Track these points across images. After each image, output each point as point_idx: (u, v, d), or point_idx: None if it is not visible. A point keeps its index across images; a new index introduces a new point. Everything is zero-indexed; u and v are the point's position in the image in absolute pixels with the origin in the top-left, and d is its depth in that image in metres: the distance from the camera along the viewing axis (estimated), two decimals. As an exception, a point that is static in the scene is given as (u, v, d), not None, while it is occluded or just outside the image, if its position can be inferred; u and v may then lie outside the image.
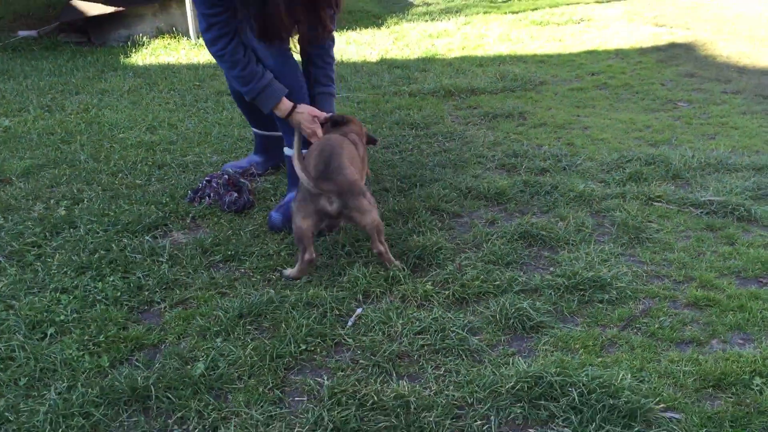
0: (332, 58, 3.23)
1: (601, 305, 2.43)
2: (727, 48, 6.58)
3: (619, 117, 4.65)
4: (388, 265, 2.65)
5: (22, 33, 7.50)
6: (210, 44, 2.94)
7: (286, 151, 3.13)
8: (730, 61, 6.17)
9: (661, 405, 1.91)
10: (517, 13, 8.74)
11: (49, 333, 2.30)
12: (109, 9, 7.14)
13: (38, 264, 2.73)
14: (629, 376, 2.00)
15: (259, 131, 3.58)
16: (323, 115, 3.00)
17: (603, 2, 9.36)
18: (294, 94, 3.00)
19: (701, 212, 3.13)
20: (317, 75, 3.16)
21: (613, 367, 2.06)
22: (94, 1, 7.30)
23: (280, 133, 3.26)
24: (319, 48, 3.15)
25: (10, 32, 7.61)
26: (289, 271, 2.65)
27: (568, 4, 9.20)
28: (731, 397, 1.95)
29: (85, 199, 3.31)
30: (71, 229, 3.00)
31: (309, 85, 3.14)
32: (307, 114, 2.97)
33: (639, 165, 3.62)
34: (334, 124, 3.01)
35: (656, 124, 4.47)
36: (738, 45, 6.67)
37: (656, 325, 2.30)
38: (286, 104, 2.97)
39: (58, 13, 7.97)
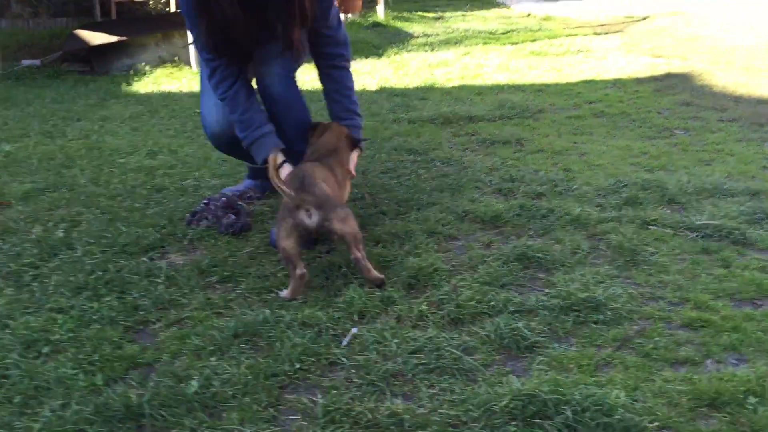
0: (350, 89, 3.25)
1: (595, 326, 2.43)
2: (723, 78, 6.65)
3: (616, 144, 4.69)
4: (366, 274, 2.66)
5: (25, 62, 7.60)
6: (214, 88, 3.00)
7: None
8: (726, 91, 6.24)
9: (655, 423, 1.90)
10: (516, 44, 8.86)
11: (44, 352, 2.30)
12: (113, 38, 7.24)
13: (35, 284, 2.74)
14: (623, 394, 1.99)
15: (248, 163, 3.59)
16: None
17: (601, 34, 9.48)
18: (296, 132, 3.04)
19: (697, 236, 3.15)
20: (338, 111, 3.20)
21: (607, 386, 2.06)
22: (98, 31, 7.41)
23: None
24: (336, 83, 3.19)
25: (14, 61, 7.71)
26: (284, 293, 2.66)
27: (566, 36, 9.33)
28: (726, 416, 1.94)
29: (84, 222, 3.33)
30: (69, 251, 3.02)
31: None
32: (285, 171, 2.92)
33: (635, 190, 3.64)
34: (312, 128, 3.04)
35: (653, 150, 4.51)
36: (734, 75, 6.74)
37: (651, 346, 2.29)
38: (272, 161, 2.85)
39: (62, 42, 8.08)
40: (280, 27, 2.86)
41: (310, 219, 2.59)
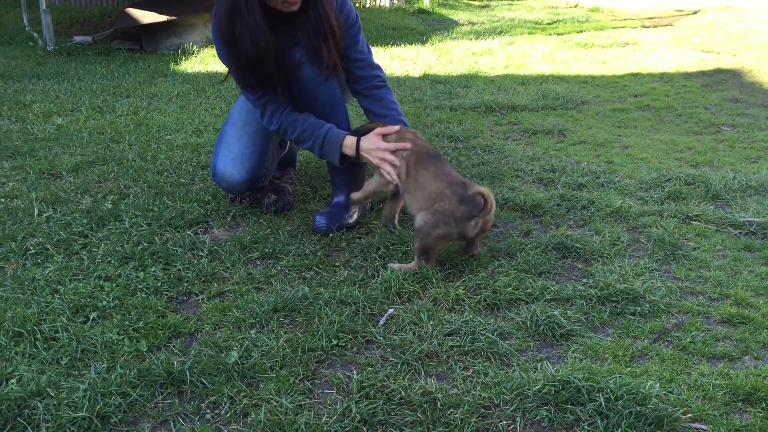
0: (395, 103, 3.22)
1: (632, 317, 2.43)
2: (774, 75, 6.50)
3: (660, 138, 4.63)
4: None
5: (77, 38, 7.76)
6: (268, 124, 3.03)
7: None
8: (777, 88, 6.10)
9: (689, 415, 1.90)
10: (562, 35, 8.76)
11: (91, 317, 2.38)
12: (162, 18, 7.35)
13: (84, 253, 2.84)
14: (657, 385, 2.00)
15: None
16: (393, 128, 2.95)
17: (649, 27, 9.32)
18: (328, 105, 3.04)
19: (740, 233, 3.11)
20: (354, 70, 3.16)
21: (641, 376, 2.06)
22: (148, 10, 7.54)
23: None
24: (379, 100, 3.16)
25: (66, 37, 7.88)
26: (398, 266, 2.73)
27: (613, 28, 9.19)
28: (761, 412, 1.93)
29: (131, 195, 3.42)
30: (116, 222, 3.11)
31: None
32: (372, 138, 2.92)
33: (678, 184, 3.60)
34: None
35: (698, 146, 4.44)
36: (786, 72, 6.58)
37: (688, 339, 2.29)
38: (349, 142, 2.95)
39: (113, 20, 8.24)
40: (309, 47, 2.91)
41: (474, 231, 2.69)
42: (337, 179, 3.17)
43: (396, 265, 2.74)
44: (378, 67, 3.20)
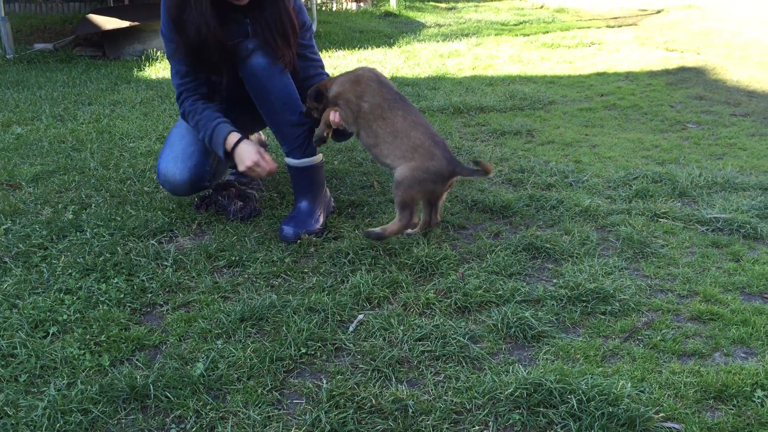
0: (317, 53, 3.30)
1: (603, 317, 2.42)
2: (737, 72, 6.60)
3: (627, 137, 4.66)
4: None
5: (38, 46, 7.61)
6: (179, 109, 3.08)
7: (289, 161, 3.13)
8: (739, 85, 6.18)
9: (661, 415, 1.89)
10: (528, 35, 8.80)
11: (51, 332, 2.31)
12: (125, 23, 7.24)
13: (44, 265, 2.75)
14: (629, 385, 1.99)
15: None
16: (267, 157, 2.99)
17: (614, 27, 9.41)
18: (284, 96, 3.02)
19: (707, 229, 3.12)
20: (306, 68, 3.19)
21: (613, 376, 2.05)
22: (111, 16, 7.42)
23: None
24: (299, 46, 3.13)
25: (26, 45, 7.73)
26: (380, 229, 2.83)
27: (579, 28, 9.26)
28: (732, 409, 1.93)
29: (93, 205, 3.34)
30: (78, 233, 3.03)
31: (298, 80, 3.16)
32: (251, 148, 2.96)
33: (646, 182, 3.62)
34: (317, 98, 2.96)
35: (664, 144, 4.48)
36: (748, 70, 6.68)
37: (658, 338, 2.28)
38: (231, 140, 2.97)
39: (75, 27, 8.10)
40: (263, 40, 2.93)
41: (444, 190, 2.83)
42: (298, 183, 3.12)
43: (378, 229, 2.82)
44: (326, 72, 3.34)
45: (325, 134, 2.99)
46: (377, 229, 2.83)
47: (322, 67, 3.30)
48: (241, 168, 2.96)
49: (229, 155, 3.01)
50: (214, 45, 2.84)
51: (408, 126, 2.81)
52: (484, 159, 4.02)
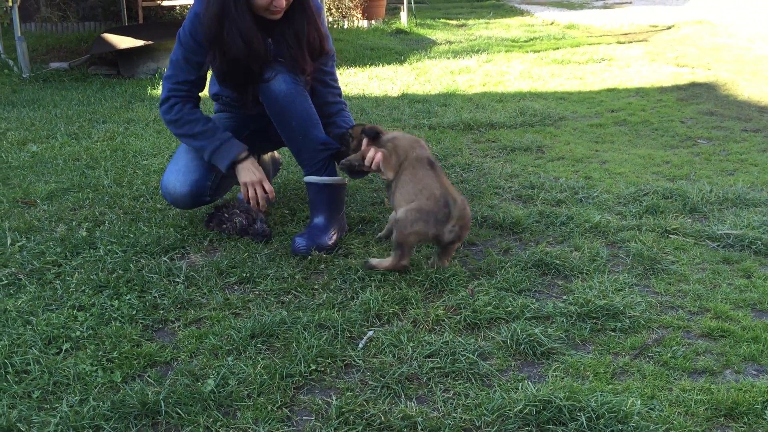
0: (337, 80, 3.35)
1: (613, 333, 2.42)
2: (748, 88, 6.58)
3: (637, 152, 4.66)
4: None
5: (53, 65, 7.71)
6: (168, 110, 3.10)
7: (309, 179, 3.17)
8: (750, 101, 6.17)
9: (671, 432, 1.89)
10: (538, 52, 8.82)
11: (64, 348, 2.34)
12: (139, 43, 7.33)
13: (57, 282, 2.79)
14: (639, 402, 1.98)
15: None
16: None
17: (624, 43, 9.42)
18: (305, 121, 3.06)
19: (718, 245, 3.12)
20: (325, 95, 3.25)
21: (623, 393, 2.05)
22: (125, 35, 7.51)
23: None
24: (343, 116, 3.28)
25: (42, 64, 7.83)
26: (376, 261, 2.83)
27: (589, 44, 9.28)
28: (743, 427, 1.93)
29: (107, 222, 3.38)
30: (91, 250, 3.06)
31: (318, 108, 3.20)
32: (255, 168, 3.09)
33: (656, 198, 3.61)
34: (373, 137, 2.98)
35: (675, 159, 4.47)
36: (759, 85, 6.67)
37: (669, 355, 2.28)
38: (242, 156, 3.08)
39: (90, 46, 8.20)
40: (288, 56, 3.01)
41: (449, 236, 2.76)
42: (317, 200, 3.15)
43: (374, 261, 2.84)
44: (337, 82, 3.36)
45: (356, 164, 2.99)
46: (374, 260, 2.85)
47: (341, 95, 3.36)
48: (242, 180, 3.07)
49: (232, 169, 3.09)
50: (260, 58, 2.93)
51: (426, 176, 2.83)
52: (494, 176, 4.03)
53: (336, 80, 3.33)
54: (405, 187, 2.84)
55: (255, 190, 3.09)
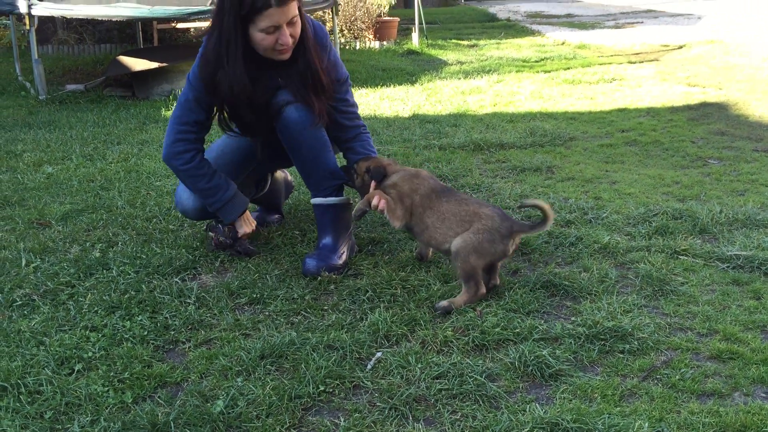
0: (353, 104, 3.33)
1: (621, 355, 2.42)
2: (759, 108, 6.57)
3: (647, 173, 4.66)
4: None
5: (69, 87, 7.83)
6: (175, 156, 3.09)
7: (315, 200, 3.21)
8: (762, 121, 6.16)
9: (679, 455, 1.88)
10: (549, 72, 8.86)
11: (76, 369, 2.37)
12: (154, 65, 7.43)
13: (71, 303, 2.83)
14: (647, 425, 1.98)
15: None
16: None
17: (635, 62, 9.44)
18: (315, 150, 3.12)
19: (728, 267, 3.11)
20: (340, 120, 3.24)
21: (631, 416, 2.05)
22: (140, 57, 7.62)
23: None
24: (361, 141, 3.27)
25: (58, 86, 7.96)
26: (447, 303, 2.73)
27: (600, 64, 9.30)
28: (752, 450, 1.92)
29: (120, 243, 3.42)
30: (104, 271, 3.10)
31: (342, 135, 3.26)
32: (249, 221, 3.30)
33: (666, 219, 3.61)
34: (378, 178, 3.02)
35: (685, 180, 4.47)
36: (771, 104, 6.65)
37: (677, 377, 2.27)
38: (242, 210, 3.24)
39: (105, 68, 8.33)
40: (298, 96, 3.04)
41: (512, 248, 2.81)
42: (323, 221, 3.18)
43: (445, 303, 2.73)
44: (361, 119, 3.34)
45: (367, 210, 3.02)
46: (444, 303, 2.74)
47: (358, 117, 3.32)
48: (245, 230, 3.26)
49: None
50: (246, 102, 2.96)
51: (453, 206, 2.86)
52: (504, 196, 4.04)
53: (351, 104, 3.30)
54: (440, 227, 2.85)
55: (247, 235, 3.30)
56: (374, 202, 2.94)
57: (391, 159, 3.26)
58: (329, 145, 3.19)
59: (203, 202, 3.17)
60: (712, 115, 6.38)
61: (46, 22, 9.88)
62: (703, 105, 6.78)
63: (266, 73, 2.98)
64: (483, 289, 2.75)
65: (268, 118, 3.06)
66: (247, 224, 3.27)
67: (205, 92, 2.99)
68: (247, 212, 3.30)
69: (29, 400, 2.20)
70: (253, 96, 2.95)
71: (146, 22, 9.71)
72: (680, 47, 10.48)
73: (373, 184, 3.03)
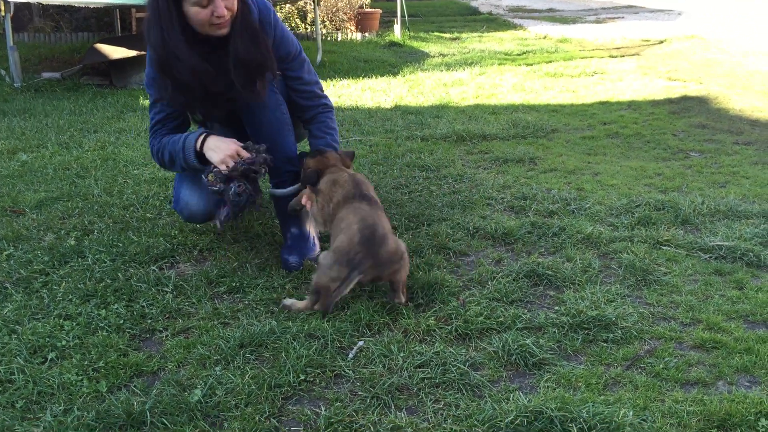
0: (334, 129, 3.20)
1: (605, 344, 2.40)
2: (739, 102, 6.61)
3: (629, 164, 4.66)
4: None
5: (45, 74, 7.69)
6: (155, 155, 3.03)
7: (275, 191, 3.12)
8: (742, 114, 6.19)
9: (664, 444, 1.86)
10: (531, 65, 8.86)
11: (49, 357, 2.30)
12: (132, 53, 7.31)
13: (44, 291, 2.75)
14: (631, 414, 1.96)
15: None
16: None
17: (617, 57, 9.47)
18: (274, 131, 3.01)
19: (710, 257, 3.11)
20: (296, 101, 3.13)
21: (615, 405, 2.03)
22: (118, 46, 7.50)
23: None
24: (319, 123, 3.16)
25: (34, 74, 7.80)
26: (290, 302, 2.64)
27: (582, 58, 9.32)
28: (736, 438, 1.90)
29: (96, 231, 3.35)
30: (79, 259, 3.03)
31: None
32: (220, 143, 2.86)
33: (648, 210, 3.61)
34: (309, 182, 2.92)
35: (667, 171, 4.48)
36: (750, 99, 6.70)
37: (661, 366, 2.26)
38: (200, 139, 2.87)
39: (82, 56, 8.18)
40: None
41: (365, 278, 2.55)
42: (285, 213, 3.12)
43: (289, 302, 2.65)
44: (324, 96, 3.19)
45: (298, 207, 3.01)
46: (288, 301, 2.65)
47: (317, 95, 3.14)
48: (220, 157, 2.81)
49: (202, 156, 2.88)
50: (198, 83, 2.77)
51: (344, 213, 2.70)
52: (486, 187, 4.02)
53: (307, 82, 3.11)
54: (334, 231, 2.73)
55: (235, 161, 2.82)
56: (303, 201, 2.94)
57: (346, 153, 3.08)
58: (289, 127, 3.05)
59: (183, 170, 3.01)
60: (692, 109, 6.41)
61: (22, 9, 9.68)
62: (684, 99, 6.81)
63: (215, 50, 2.80)
64: (325, 308, 2.53)
65: (224, 101, 2.91)
66: (219, 150, 2.83)
67: (163, 85, 2.84)
68: (213, 140, 2.87)
69: (0, 389, 2.13)
70: (207, 80, 2.77)
71: (124, 10, 9.57)
72: (661, 42, 10.53)
73: (308, 190, 2.96)
